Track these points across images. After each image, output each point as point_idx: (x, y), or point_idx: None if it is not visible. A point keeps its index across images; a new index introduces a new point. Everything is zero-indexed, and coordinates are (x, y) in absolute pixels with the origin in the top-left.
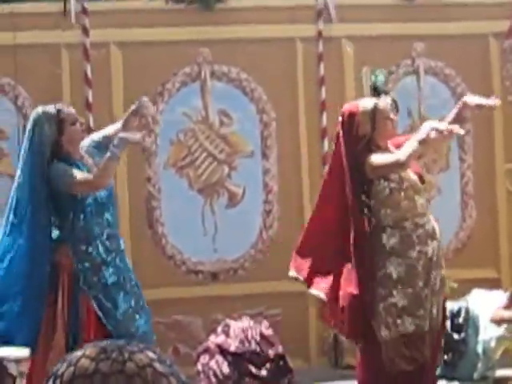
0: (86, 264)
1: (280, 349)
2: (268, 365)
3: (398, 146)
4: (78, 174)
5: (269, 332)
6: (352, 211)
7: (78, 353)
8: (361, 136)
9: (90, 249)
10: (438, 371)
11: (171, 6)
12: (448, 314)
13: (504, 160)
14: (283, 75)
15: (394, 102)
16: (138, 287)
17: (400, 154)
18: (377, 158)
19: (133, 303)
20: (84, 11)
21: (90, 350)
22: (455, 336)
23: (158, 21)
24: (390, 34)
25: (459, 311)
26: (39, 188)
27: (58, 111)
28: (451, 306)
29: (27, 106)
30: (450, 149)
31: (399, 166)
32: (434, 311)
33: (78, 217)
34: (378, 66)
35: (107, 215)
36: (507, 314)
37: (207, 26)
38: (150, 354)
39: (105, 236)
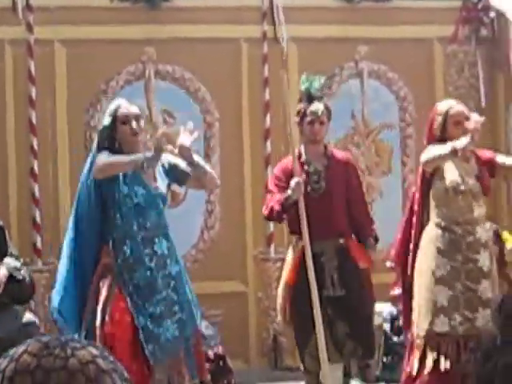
0: (120, 262)
1: (220, 349)
2: (208, 365)
3: None
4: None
5: (209, 332)
6: (413, 206)
7: (20, 348)
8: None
9: (125, 248)
10: (377, 373)
11: (117, 4)
12: (388, 316)
13: None
14: (228, 76)
15: (327, 108)
16: (180, 294)
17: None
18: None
19: (163, 308)
20: (29, 7)
21: (32, 345)
22: (394, 338)
23: (103, 18)
24: (334, 36)
25: (398, 314)
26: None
27: (117, 107)
28: (391, 309)
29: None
30: (393, 152)
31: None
32: (479, 320)
33: (116, 215)
34: (321, 67)
35: (145, 219)
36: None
37: (152, 25)
38: (93, 351)
39: (139, 238)
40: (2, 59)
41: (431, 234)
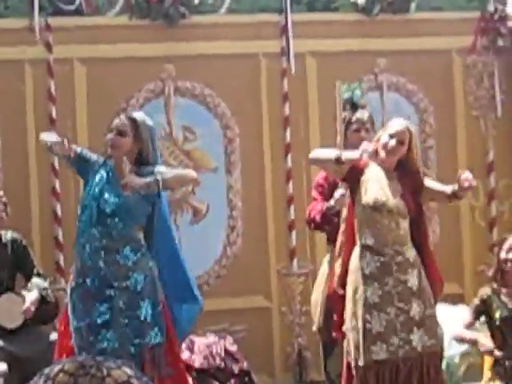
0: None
1: (245, 365)
2: (233, 381)
3: None
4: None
5: (233, 348)
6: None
7: (56, 367)
8: None
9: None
10: None
11: (135, 22)
12: None
13: None
14: (247, 91)
15: (370, 116)
16: (132, 309)
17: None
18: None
19: (107, 318)
20: (48, 27)
21: (68, 364)
22: None
23: (122, 37)
24: (353, 49)
25: None
26: None
27: None
28: None
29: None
30: None
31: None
32: (416, 341)
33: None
34: (340, 81)
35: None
36: (469, 334)
37: (171, 42)
38: (128, 371)
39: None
40: (22, 79)
41: (359, 258)
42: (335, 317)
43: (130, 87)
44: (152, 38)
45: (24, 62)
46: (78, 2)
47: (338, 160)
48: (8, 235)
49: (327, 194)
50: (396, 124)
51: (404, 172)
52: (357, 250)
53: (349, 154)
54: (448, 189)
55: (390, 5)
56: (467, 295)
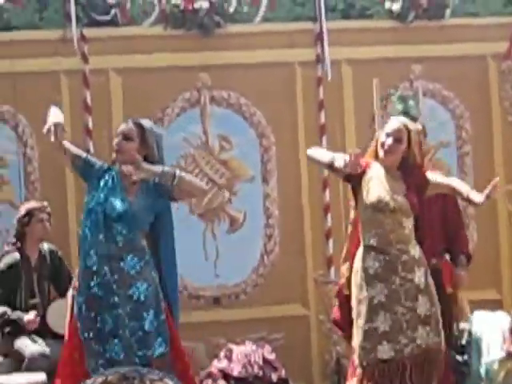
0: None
1: (283, 373)
2: None
3: None
4: None
5: (271, 356)
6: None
7: (99, 378)
8: None
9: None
10: None
11: (170, 31)
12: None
13: (504, 181)
14: (282, 99)
15: (423, 127)
16: (136, 320)
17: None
18: None
19: (112, 326)
20: (83, 38)
21: (111, 376)
22: (458, 358)
23: (157, 47)
24: (389, 56)
25: (462, 333)
26: None
27: None
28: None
29: (27, 134)
30: (451, 170)
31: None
32: (420, 338)
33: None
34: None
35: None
36: None
37: (206, 52)
38: (170, 383)
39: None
40: (58, 90)
41: (363, 258)
42: (339, 316)
43: (165, 97)
44: (187, 48)
45: (60, 72)
46: (113, 12)
47: (330, 166)
48: (45, 247)
49: None
50: (393, 122)
51: (407, 170)
52: (361, 251)
53: (340, 163)
54: (466, 190)
55: (425, 11)
56: (506, 301)
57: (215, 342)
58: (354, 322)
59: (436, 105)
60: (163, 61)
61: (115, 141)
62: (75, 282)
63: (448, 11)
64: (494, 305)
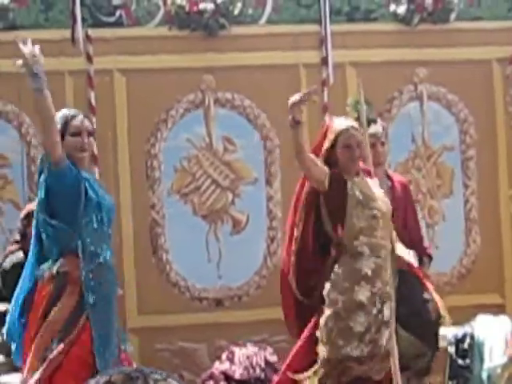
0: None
1: None
2: None
3: None
4: None
5: (273, 358)
6: None
7: (103, 378)
8: None
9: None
10: None
11: (175, 32)
12: (452, 339)
13: (508, 185)
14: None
15: (383, 128)
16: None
17: None
18: None
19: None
20: (88, 38)
21: (114, 375)
22: (460, 362)
23: (162, 48)
24: (393, 59)
25: (464, 337)
26: None
27: (68, 116)
28: (456, 331)
29: (31, 134)
30: (454, 175)
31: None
32: (381, 340)
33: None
34: (380, 91)
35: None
36: None
37: (211, 53)
38: (174, 383)
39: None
40: (63, 90)
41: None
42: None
43: (169, 98)
44: (192, 49)
45: (64, 72)
46: (118, 13)
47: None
48: None
49: None
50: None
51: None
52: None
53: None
54: None
55: (430, 15)
56: (509, 305)
57: (217, 343)
58: (329, 319)
59: (440, 109)
60: (168, 62)
61: (83, 140)
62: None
63: (453, 15)
64: (497, 309)
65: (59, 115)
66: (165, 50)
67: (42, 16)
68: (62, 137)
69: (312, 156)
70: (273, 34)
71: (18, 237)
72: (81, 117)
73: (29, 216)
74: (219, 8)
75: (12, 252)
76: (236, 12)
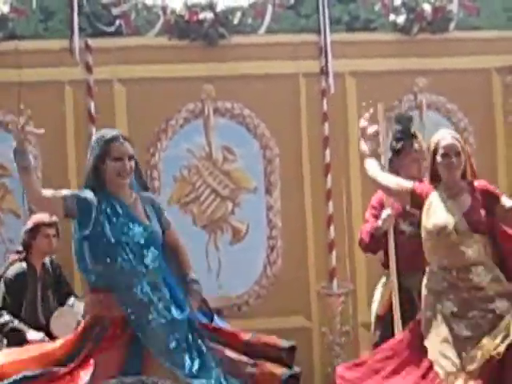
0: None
1: None
2: None
3: None
4: None
5: None
6: None
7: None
8: None
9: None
10: None
11: (174, 42)
12: None
13: (507, 194)
14: (287, 111)
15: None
16: None
17: None
18: None
19: None
20: (87, 48)
21: (132, 380)
22: None
23: (162, 57)
24: (393, 69)
25: None
26: None
27: (108, 139)
28: None
29: (31, 143)
30: None
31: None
32: None
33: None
34: (379, 100)
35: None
36: None
37: (210, 63)
38: None
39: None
40: (62, 100)
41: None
42: None
43: (169, 108)
44: (191, 59)
45: (64, 82)
46: (117, 22)
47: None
48: (46, 258)
49: (379, 216)
50: (444, 140)
51: (469, 183)
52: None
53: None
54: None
55: (430, 24)
56: None
57: None
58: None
59: (440, 118)
60: (167, 72)
61: (124, 163)
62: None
63: (452, 24)
64: None
65: (97, 136)
66: (164, 59)
67: (41, 26)
68: (103, 161)
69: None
70: (272, 44)
71: (20, 247)
72: (121, 140)
73: (36, 228)
74: (219, 17)
75: (14, 262)
76: (235, 21)
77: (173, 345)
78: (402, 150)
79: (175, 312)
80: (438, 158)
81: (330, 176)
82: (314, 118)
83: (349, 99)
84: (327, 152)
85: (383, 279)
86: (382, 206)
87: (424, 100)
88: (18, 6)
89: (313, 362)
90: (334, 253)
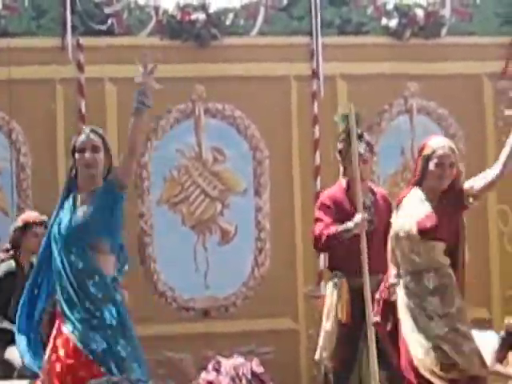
0: None
1: None
2: None
3: None
4: None
5: (260, 369)
6: None
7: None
8: None
9: None
10: None
11: (166, 42)
12: None
13: (496, 201)
14: (277, 113)
15: (368, 144)
16: None
17: None
18: None
19: None
20: (79, 47)
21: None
22: None
23: (153, 57)
24: (384, 73)
25: None
26: None
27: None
28: None
29: (21, 141)
30: None
31: None
32: None
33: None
34: (370, 104)
35: None
36: (503, 369)
37: (202, 64)
38: None
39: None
40: (53, 98)
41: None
42: None
43: (160, 108)
44: (183, 59)
45: (55, 81)
46: (109, 22)
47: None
48: (34, 256)
49: (333, 215)
50: (440, 150)
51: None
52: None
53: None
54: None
55: (422, 29)
56: (496, 320)
57: (204, 354)
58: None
59: (430, 123)
60: (159, 71)
61: (86, 155)
62: None
63: (444, 29)
64: (484, 324)
65: None
66: (156, 59)
67: (33, 23)
68: (73, 155)
69: None
70: (264, 46)
71: (8, 245)
72: (88, 132)
73: (26, 226)
74: (211, 18)
75: (3, 260)
76: (228, 23)
77: None
78: (345, 150)
79: None
80: (431, 166)
81: (319, 178)
82: (305, 121)
83: (339, 102)
84: (317, 154)
85: (330, 284)
86: (335, 205)
87: (415, 104)
88: (10, 3)
89: (299, 364)
90: (322, 255)
